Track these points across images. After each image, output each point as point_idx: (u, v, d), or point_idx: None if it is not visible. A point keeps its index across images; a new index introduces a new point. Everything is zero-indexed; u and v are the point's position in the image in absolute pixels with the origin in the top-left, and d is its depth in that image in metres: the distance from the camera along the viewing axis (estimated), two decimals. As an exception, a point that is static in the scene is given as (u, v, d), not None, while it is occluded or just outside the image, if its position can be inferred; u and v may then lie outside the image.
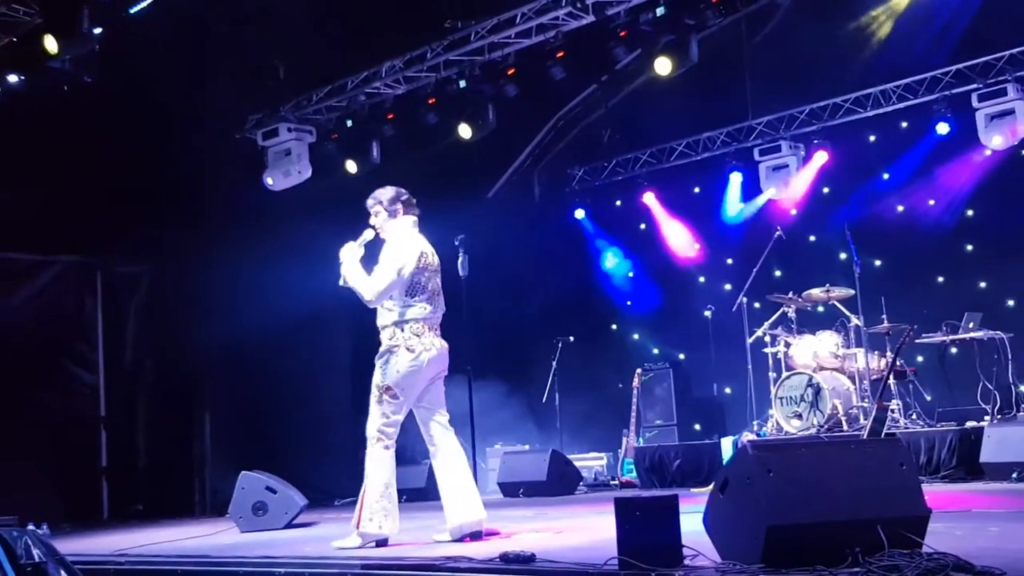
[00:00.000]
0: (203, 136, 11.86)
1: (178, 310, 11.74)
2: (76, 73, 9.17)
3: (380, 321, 6.49)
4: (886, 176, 12.27)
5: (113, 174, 11.08)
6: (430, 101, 10.98)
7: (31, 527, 5.58)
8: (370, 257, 6.53)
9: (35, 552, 5.22)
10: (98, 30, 8.48)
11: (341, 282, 6.54)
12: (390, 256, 6.38)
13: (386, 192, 6.59)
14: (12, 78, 9.25)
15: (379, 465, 6.34)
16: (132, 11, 9.00)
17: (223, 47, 10.70)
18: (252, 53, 10.86)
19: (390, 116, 11.36)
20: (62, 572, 5.18)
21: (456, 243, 7.17)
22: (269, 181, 11.42)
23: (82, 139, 10.59)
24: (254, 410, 11.44)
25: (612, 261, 14.75)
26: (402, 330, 6.38)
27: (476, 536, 6.35)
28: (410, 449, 13.17)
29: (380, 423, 6.37)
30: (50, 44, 8.44)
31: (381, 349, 6.43)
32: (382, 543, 6.24)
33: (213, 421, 11.64)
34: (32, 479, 10.68)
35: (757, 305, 11.50)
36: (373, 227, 6.59)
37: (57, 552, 5.35)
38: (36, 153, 10.50)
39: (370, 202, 6.62)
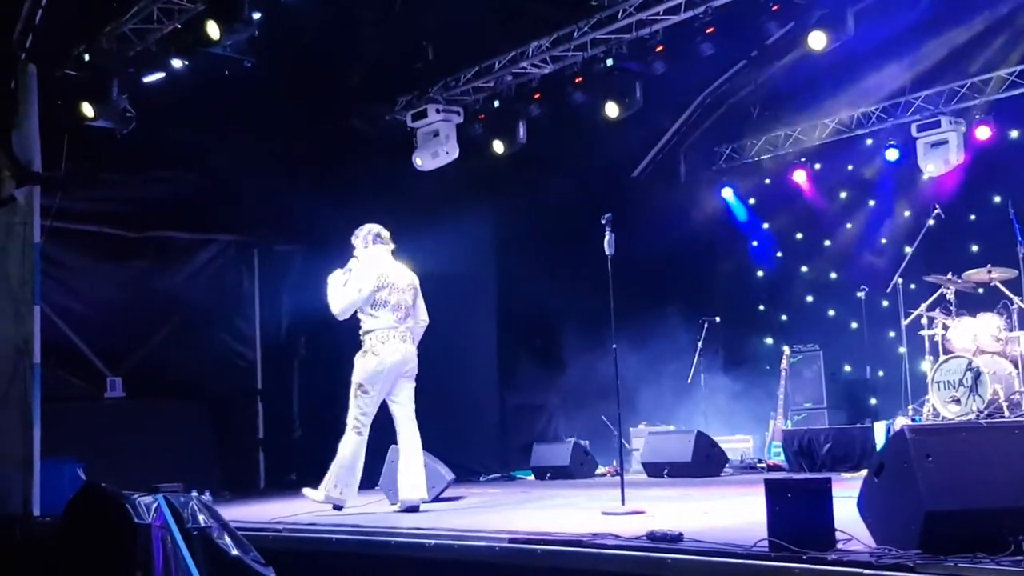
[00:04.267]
0: (355, 118, 12.14)
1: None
2: (236, 58, 9.48)
3: (360, 330, 7.89)
4: (1054, 152, 11.70)
5: (270, 156, 11.45)
6: (577, 80, 10.92)
7: (194, 493, 5.86)
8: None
9: (200, 517, 5.48)
10: (257, 15, 8.72)
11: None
12: (352, 279, 7.85)
13: (362, 229, 8.12)
14: (176, 63, 9.61)
15: (348, 445, 7.73)
16: (289, -5, 9.23)
17: (373, 30, 10.90)
18: (401, 35, 11.03)
19: (536, 96, 11.36)
20: (226, 536, 5.43)
21: (603, 221, 7.19)
22: (418, 162, 11.59)
23: (241, 122, 10.96)
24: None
25: (760, 240, 14.51)
26: (370, 338, 7.81)
27: (414, 508, 7.65)
28: (553, 429, 13.36)
29: (355, 414, 7.76)
30: (212, 30, 8.72)
31: (358, 353, 7.85)
32: (339, 507, 7.67)
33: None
34: (194, 449, 11.16)
35: (913, 286, 11.12)
36: (356, 257, 8.03)
37: (221, 517, 5.61)
38: (197, 135, 10.93)
39: (353, 238, 8.12)
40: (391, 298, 7.86)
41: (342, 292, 7.86)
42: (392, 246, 8.18)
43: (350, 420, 7.82)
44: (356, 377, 7.82)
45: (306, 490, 7.92)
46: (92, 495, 6.02)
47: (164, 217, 11.63)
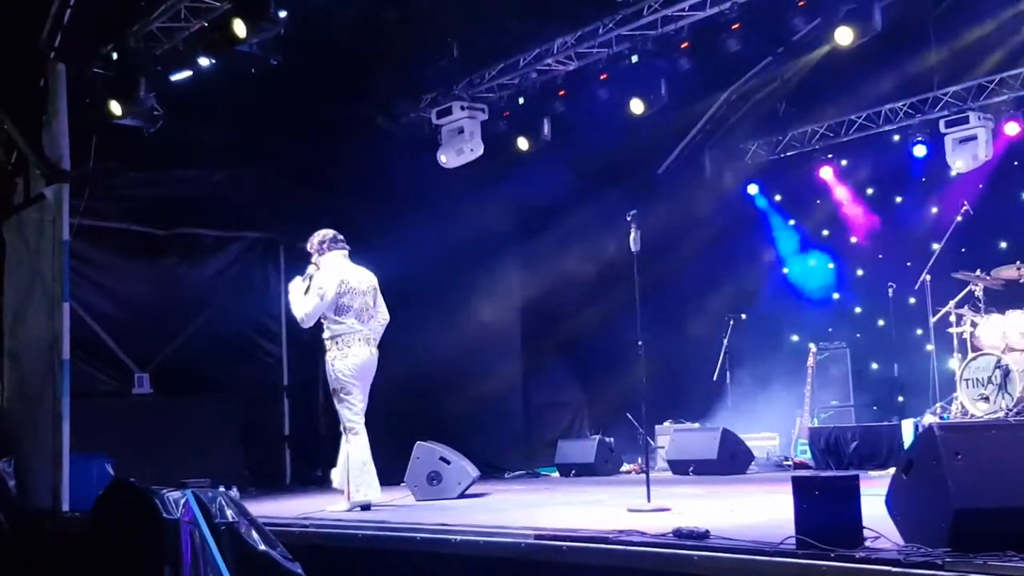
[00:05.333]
0: (379, 116, 12.16)
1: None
2: (263, 56, 9.50)
3: (323, 336, 8.04)
4: (1083, 148, 11.58)
5: (295, 153, 11.49)
6: (602, 77, 10.92)
7: (222, 489, 5.88)
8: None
9: (228, 512, 5.51)
10: (283, 13, 8.75)
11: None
12: (314, 285, 7.95)
13: (316, 235, 8.24)
14: (203, 61, 9.65)
15: (354, 450, 7.84)
16: (314, -7, 9.25)
17: (398, 28, 10.91)
18: (426, 33, 11.04)
19: (561, 93, 11.35)
20: (253, 532, 5.45)
21: (628, 218, 7.16)
22: (443, 159, 11.60)
23: (267, 119, 11.01)
24: (425, 383, 11.69)
25: (786, 237, 14.44)
26: (336, 343, 7.96)
27: (367, 507, 7.82)
28: (578, 426, 13.36)
29: (345, 416, 7.92)
30: (239, 28, 8.74)
31: (326, 360, 8.01)
32: (366, 507, 7.72)
33: (385, 393, 11.95)
34: (222, 444, 11.22)
35: (941, 283, 11.05)
36: (315, 263, 8.14)
37: (248, 513, 5.63)
38: (224, 133, 10.98)
39: (308, 246, 8.25)
40: (353, 302, 8.00)
41: (304, 299, 7.97)
42: (348, 249, 8.26)
43: (344, 425, 7.96)
44: (332, 383, 7.98)
45: (330, 507, 7.85)
46: (120, 490, 6.06)
47: (191, 214, 11.69)
